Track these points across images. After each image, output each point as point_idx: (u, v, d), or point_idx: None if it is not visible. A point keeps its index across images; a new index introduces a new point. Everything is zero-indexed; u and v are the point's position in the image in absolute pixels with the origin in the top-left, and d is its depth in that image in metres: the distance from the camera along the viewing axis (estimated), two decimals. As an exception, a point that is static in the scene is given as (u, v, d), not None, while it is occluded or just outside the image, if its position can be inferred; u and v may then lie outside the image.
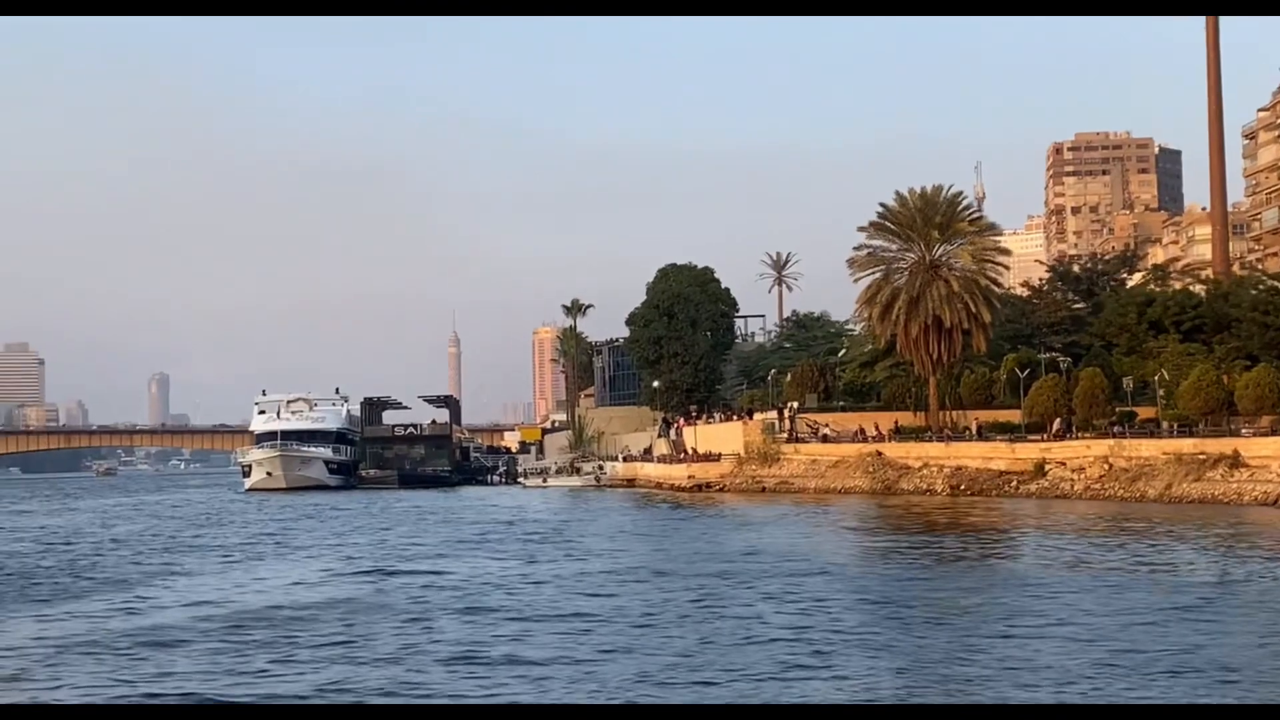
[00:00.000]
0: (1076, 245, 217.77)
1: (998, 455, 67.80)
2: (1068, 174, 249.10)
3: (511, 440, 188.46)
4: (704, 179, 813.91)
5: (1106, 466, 61.04)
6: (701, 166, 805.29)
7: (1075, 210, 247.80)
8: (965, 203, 79.38)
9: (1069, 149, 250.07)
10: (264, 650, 21.15)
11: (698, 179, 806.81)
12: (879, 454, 73.78)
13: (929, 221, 77.35)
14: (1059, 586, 27.56)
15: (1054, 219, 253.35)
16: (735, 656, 19.44)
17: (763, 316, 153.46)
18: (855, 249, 79.87)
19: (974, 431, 72.05)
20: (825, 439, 78.70)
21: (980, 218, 79.57)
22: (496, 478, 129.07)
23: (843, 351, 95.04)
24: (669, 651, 20.17)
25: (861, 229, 79.41)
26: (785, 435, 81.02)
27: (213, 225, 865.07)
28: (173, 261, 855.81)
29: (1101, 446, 62.51)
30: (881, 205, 78.94)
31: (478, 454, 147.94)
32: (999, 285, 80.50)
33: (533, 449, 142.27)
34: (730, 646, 20.31)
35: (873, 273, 79.26)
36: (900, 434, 76.13)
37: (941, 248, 78.10)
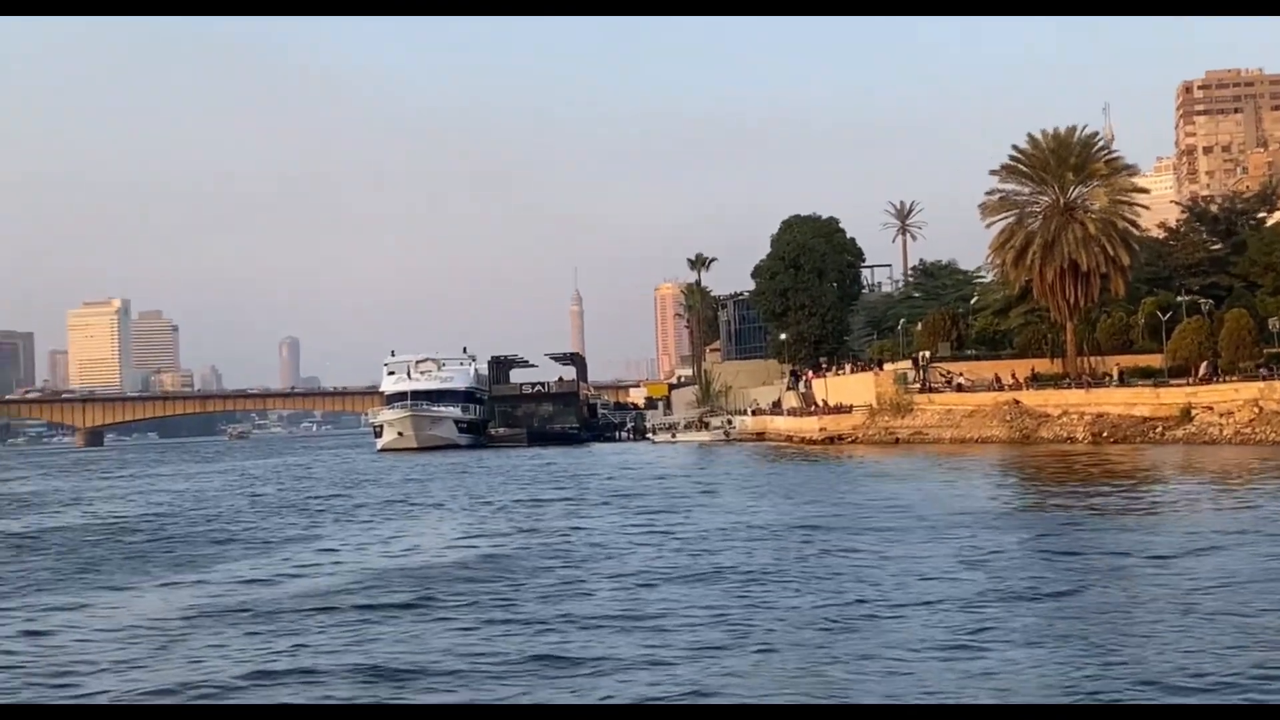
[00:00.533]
0: (1209, 186, 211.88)
1: (1141, 401, 65.92)
2: (1198, 113, 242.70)
3: (636, 396, 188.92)
4: (823, 131, 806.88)
5: (1257, 410, 58.99)
6: (821, 120, 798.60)
7: (1207, 150, 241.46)
8: (1100, 143, 77.10)
9: (1199, 87, 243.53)
10: (422, 614, 20.98)
11: (817, 131, 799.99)
12: (1016, 402, 72.25)
13: (1063, 163, 75.32)
14: (1238, 534, 26.33)
15: (1185, 159, 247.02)
16: (914, 619, 18.81)
17: (889, 266, 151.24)
18: (987, 194, 78.16)
19: (1115, 377, 70.19)
20: (960, 388, 77.26)
21: (1116, 158, 77.10)
22: (624, 434, 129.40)
23: (975, 299, 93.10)
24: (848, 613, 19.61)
25: (993, 173, 77.71)
26: (918, 385, 79.72)
27: (337, 194, 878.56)
28: (300, 229, 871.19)
29: (1251, 389, 60.42)
30: (1014, 147, 77.10)
31: (605, 410, 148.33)
32: (1137, 227, 78.18)
33: (660, 404, 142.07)
34: (909, 607, 19.64)
35: (1005, 217, 77.49)
36: (1038, 381, 74.49)
37: (1076, 190, 76.10)
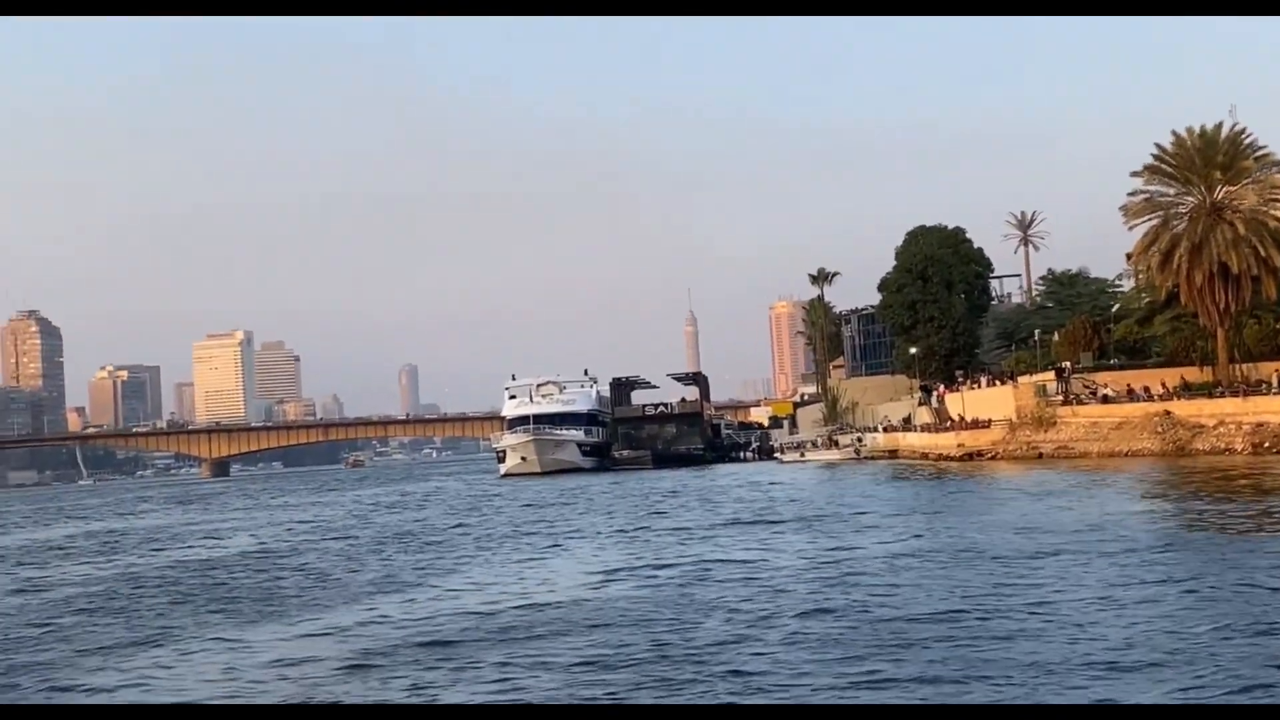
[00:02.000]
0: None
1: (1304, 409, 62.51)
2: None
3: (758, 415, 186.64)
4: (938, 146, 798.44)
5: None
6: (933, 134, 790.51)
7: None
8: (1249, 140, 73.49)
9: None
10: (580, 655, 19.17)
11: (931, 146, 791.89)
12: (1167, 413, 68.90)
13: (1209, 162, 71.94)
14: None
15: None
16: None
17: (1018, 276, 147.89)
18: (1129, 195, 74.83)
19: (1275, 384, 66.69)
20: (1106, 399, 74.02)
21: (1266, 154, 73.49)
22: (749, 454, 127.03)
23: (1116, 306, 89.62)
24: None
25: (1135, 174, 74.38)
26: (1060, 398, 76.61)
27: (456, 222, 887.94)
28: (419, 258, 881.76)
29: None
30: (1157, 146, 73.78)
31: (729, 430, 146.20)
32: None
33: (785, 423, 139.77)
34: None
35: (1150, 219, 74.19)
36: (1189, 391, 71.09)
37: (1223, 189, 72.69)
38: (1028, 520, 36.10)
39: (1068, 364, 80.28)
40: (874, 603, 22.23)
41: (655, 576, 28.65)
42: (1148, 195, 74.17)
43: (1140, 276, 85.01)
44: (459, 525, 53.25)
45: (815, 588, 24.83)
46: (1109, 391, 74.62)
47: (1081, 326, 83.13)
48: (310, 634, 23.05)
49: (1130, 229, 75.05)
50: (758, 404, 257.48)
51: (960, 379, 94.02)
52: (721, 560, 31.32)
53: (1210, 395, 69.46)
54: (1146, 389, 72.76)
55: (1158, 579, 22.84)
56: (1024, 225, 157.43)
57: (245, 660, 20.45)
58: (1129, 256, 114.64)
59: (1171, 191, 73.99)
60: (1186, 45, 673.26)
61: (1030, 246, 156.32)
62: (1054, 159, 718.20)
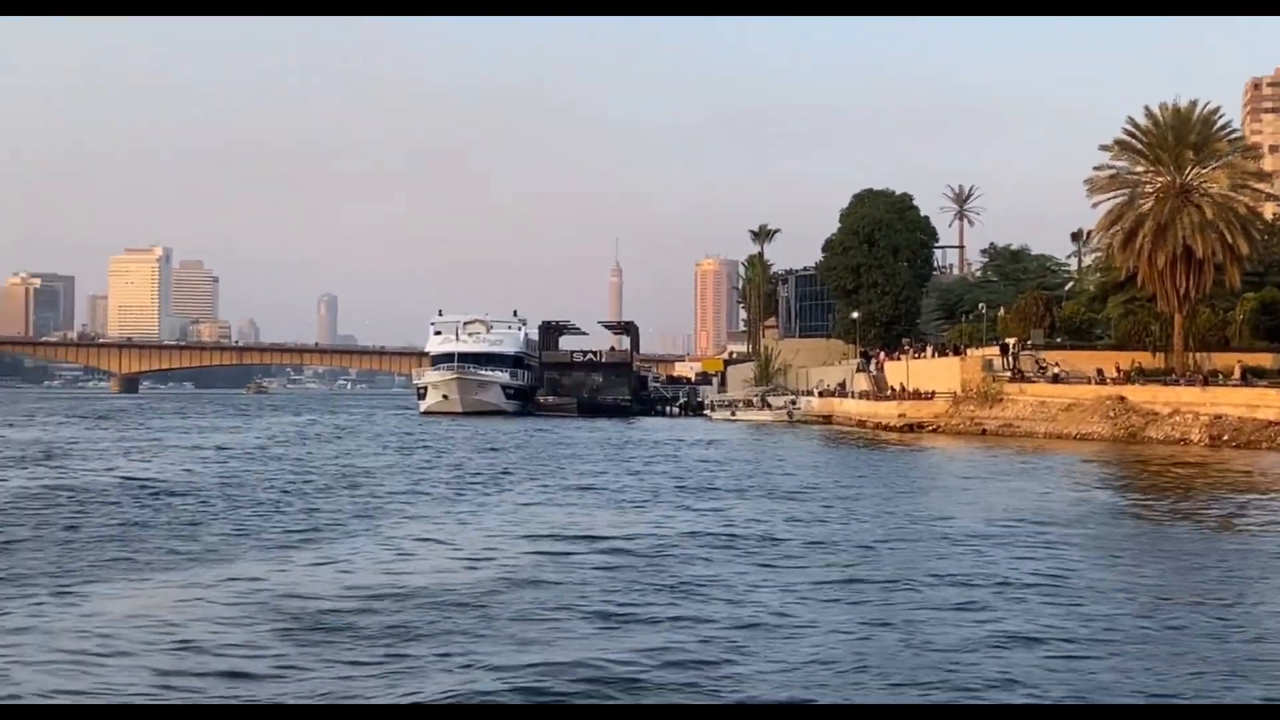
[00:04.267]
0: (1275, 185, 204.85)
1: (1265, 403, 60.16)
2: (1267, 110, 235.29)
3: (684, 370, 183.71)
4: (882, 112, 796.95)
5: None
6: (871, 93, 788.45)
7: (1274, 149, 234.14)
8: (1222, 120, 71.00)
9: (1269, 84, 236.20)
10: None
11: (874, 113, 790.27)
12: (1121, 398, 66.50)
13: (1181, 140, 69.39)
14: None
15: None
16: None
17: (962, 248, 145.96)
18: (1095, 169, 72.23)
19: (1237, 376, 64.52)
20: (1056, 379, 71.55)
21: (1239, 137, 71.18)
22: (675, 409, 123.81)
23: (1070, 284, 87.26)
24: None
25: (1104, 148, 71.58)
26: (1008, 374, 74.07)
27: (380, 153, 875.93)
28: (342, 187, 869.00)
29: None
30: (1130, 120, 71.04)
31: (656, 384, 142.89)
32: (1258, 215, 72.30)
33: (714, 380, 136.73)
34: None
35: (1115, 196, 71.63)
36: (1144, 376, 68.79)
37: (1194, 170, 70.25)
38: (996, 498, 33.23)
39: (1014, 339, 77.77)
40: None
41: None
42: (1114, 171, 71.63)
43: (1097, 255, 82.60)
44: (389, 465, 49.81)
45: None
46: (1060, 371, 72.18)
47: (1034, 302, 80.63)
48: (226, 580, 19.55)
49: (1094, 205, 72.54)
50: (681, 359, 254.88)
51: (907, 347, 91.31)
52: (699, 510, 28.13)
53: (1164, 383, 67.16)
54: (1100, 371, 70.40)
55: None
56: (960, 199, 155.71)
57: (140, 616, 16.91)
58: (1074, 236, 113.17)
59: (1140, 169, 71.47)
60: (1126, 40, 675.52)
61: (965, 221, 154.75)
62: (996, 136, 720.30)
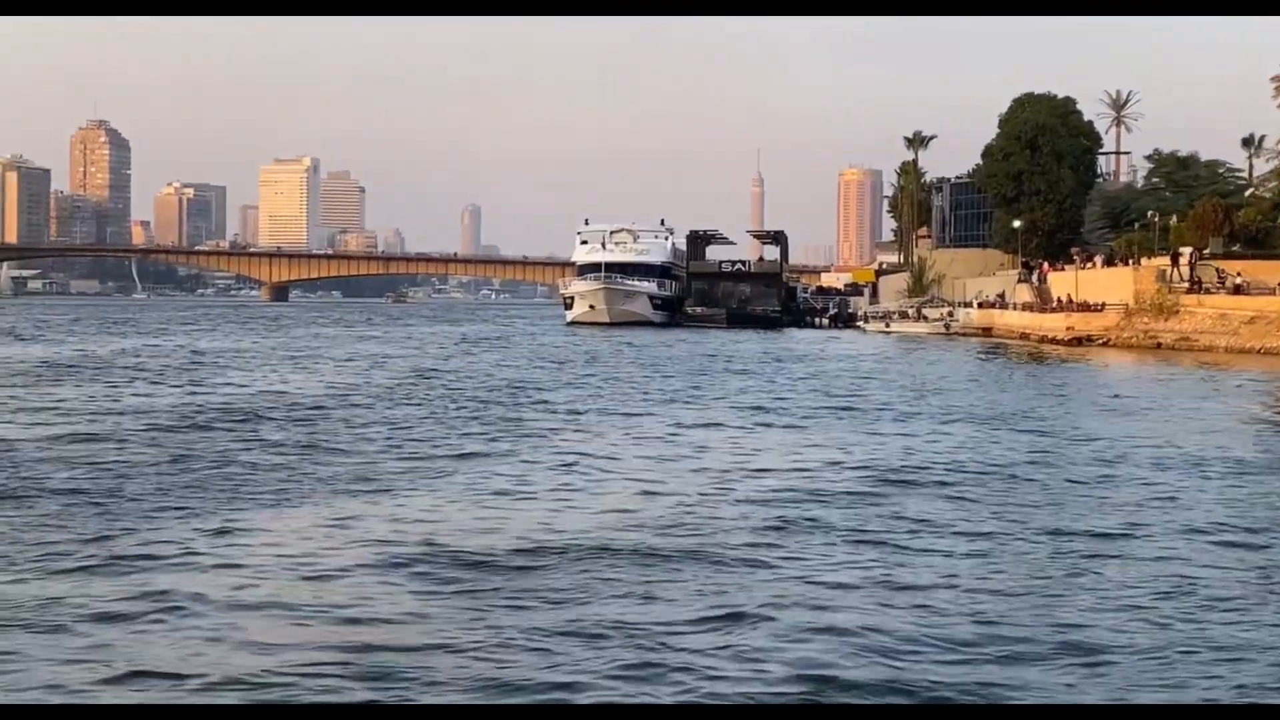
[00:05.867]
0: None
1: None
2: None
3: (831, 281, 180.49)
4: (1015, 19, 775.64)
5: None
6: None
7: None
8: None
9: None
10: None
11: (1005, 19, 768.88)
12: (1312, 311, 62.96)
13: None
14: None
15: None
16: None
17: (1129, 153, 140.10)
18: (1286, 67, 68.16)
19: None
20: (1238, 289, 68.03)
21: None
22: (825, 320, 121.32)
23: (1251, 190, 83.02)
24: None
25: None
26: (1185, 285, 70.66)
27: (531, 65, 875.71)
28: (488, 101, 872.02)
29: None
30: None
31: (805, 295, 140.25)
32: None
33: (865, 291, 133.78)
34: None
35: (1305, 95, 67.68)
36: (1336, 286, 65.11)
37: (1394, 68, 65.90)
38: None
39: (1188, 249, 74.21)
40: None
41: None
42: (1308, 68, 67.42)
43: (1276, 161, 78.36)
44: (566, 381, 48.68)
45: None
46: (1241, 281, 68.60)
47: (1212, 210, 76.77)
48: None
49: (1281, 105, 68.48)
50: (826, 269, 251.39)
51: (1075, 257, 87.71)
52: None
53: (1356, 294, 63.46)
54: (1283, 283, 66.80)
55: None
56: (1118, 105, 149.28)
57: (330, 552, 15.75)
58: (1245, 142, 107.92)
59: (1334, 67, 67.24)
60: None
61: (1123, 127, 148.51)
62: (1158, 42, 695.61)
